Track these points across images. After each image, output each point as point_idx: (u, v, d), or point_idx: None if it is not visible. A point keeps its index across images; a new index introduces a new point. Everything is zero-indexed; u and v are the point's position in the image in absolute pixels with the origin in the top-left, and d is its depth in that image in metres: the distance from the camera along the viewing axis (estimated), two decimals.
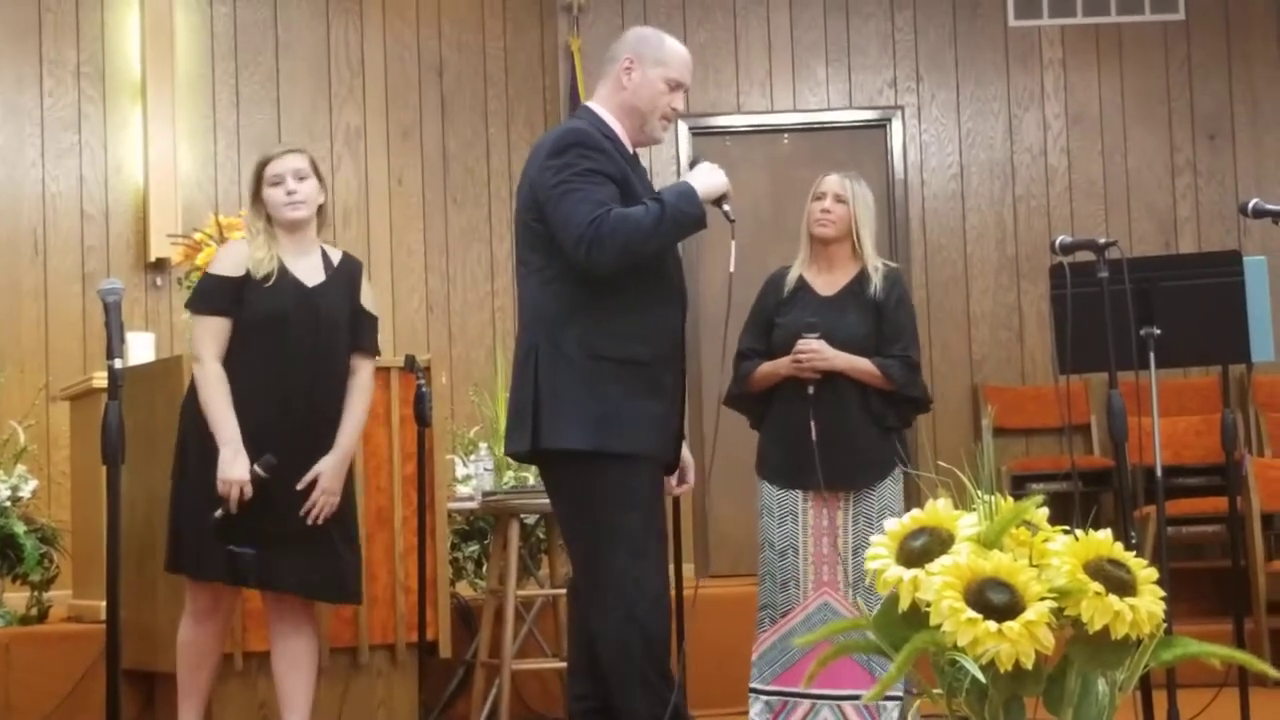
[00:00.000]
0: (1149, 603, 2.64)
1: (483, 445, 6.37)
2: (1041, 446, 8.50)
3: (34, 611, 6.07)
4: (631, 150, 4.33)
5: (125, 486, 4.20)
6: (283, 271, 4.63)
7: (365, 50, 8.47)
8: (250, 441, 4.52)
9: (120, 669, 4.19)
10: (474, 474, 6.29)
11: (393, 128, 8.48)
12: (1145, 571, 2.69)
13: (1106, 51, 8.79)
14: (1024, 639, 2.54)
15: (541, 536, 6.46)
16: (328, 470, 4.60)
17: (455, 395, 7.65)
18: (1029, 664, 2.56)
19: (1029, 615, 2.56)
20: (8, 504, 6.02)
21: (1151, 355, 4.68)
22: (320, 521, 4.58)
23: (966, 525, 2.72)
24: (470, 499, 6.16)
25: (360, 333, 4.75)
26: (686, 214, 4.12)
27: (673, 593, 4.91)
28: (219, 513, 4.49)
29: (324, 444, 4.63)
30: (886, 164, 8.72)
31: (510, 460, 6.14)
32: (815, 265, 5.20)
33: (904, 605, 2.65)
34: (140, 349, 6.24)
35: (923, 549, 2.69)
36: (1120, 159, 8.74)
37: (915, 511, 2.78)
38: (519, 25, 8.74)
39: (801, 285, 5.17)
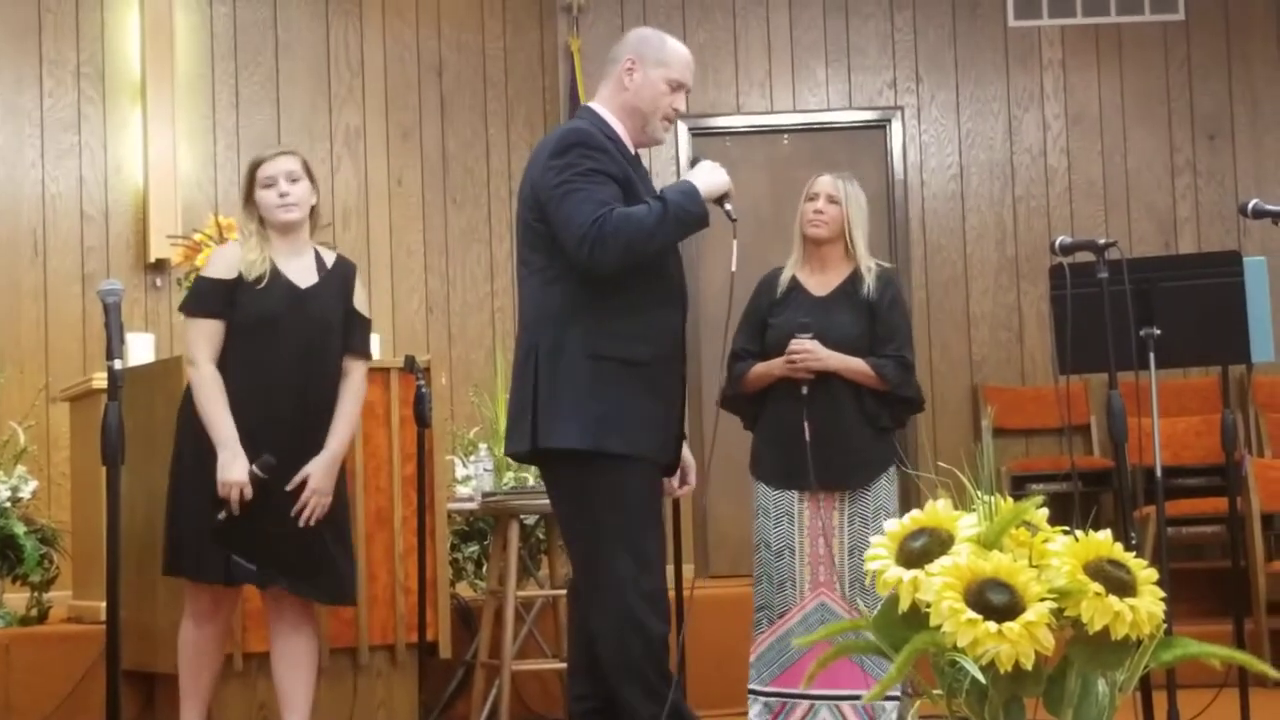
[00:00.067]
0: (1149, 603, 2.64)
1: (482, 446, 6.37)
2: (1041, 447, 8.50)
3: (34, 612, 6.06)
4: (633, 151, 4.33)
5: (125, 487, 4.20)
6: (275, 273, 4.63)
7: (365, 51, 8.47)
8: (245, 442, 4.52)
9: (120, 670, 4.18)
10: (474, 475, 6.29)
11: (392, 128, 8.48)
12: (1145, 572, 2.69)
13: (1106, 52, 8.79)
14: (1024, 640, 2.54)
15: (541, 537, 6.46)
16: (317, 471, 4.60)
17: (455, 396, 7.65)
18: (1029, 665, 2.56)
19: (1029, 616, 2.56)
20: (8, 505, 6.02)
21: (1151, 356, 4.68)
22: (312, 522, 4.58)
23: (966, 526, 2.72)
24: (470, 500, 6.16)
25: (352, 334, 4.75)
26: (689, 212, 4.12)
27: (672, 593, 4.92)
28: (222, 515, 4.50)
29: (316, 445, 4.63)
30: (886, 164, 8.72)
31: (510, 461, 6.15)
32: (808, 265, 5.20)
33: (904, 606, 2.65)
34: (140, 350, 6.24)
35: (923, 550, 2.69)
36: (1120, 159, 8.74)
37: (915, 512, 2.78)
38: (519, 26, 8.73)
39: (795, 285, 5.18)
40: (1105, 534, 2.72)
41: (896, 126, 8.74)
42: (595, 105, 4.35)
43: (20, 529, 5.99)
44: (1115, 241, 4.47)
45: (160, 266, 7.78)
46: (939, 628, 2.57)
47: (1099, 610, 2.59)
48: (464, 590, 6.56)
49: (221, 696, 5.12)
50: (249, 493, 4.49)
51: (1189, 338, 4.79)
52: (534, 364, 4.15)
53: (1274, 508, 7.00)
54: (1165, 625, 2.69)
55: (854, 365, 5.01)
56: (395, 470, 5.62)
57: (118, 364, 4.06)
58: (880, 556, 2.74)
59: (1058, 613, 2.61)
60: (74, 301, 7.74)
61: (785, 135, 8.72)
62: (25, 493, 6.12)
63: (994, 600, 2.58)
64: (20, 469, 6.19)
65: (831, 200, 5.13)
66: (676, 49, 4.34)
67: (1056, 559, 2.67)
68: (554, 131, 4.46)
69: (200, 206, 7.76)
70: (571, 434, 4.08)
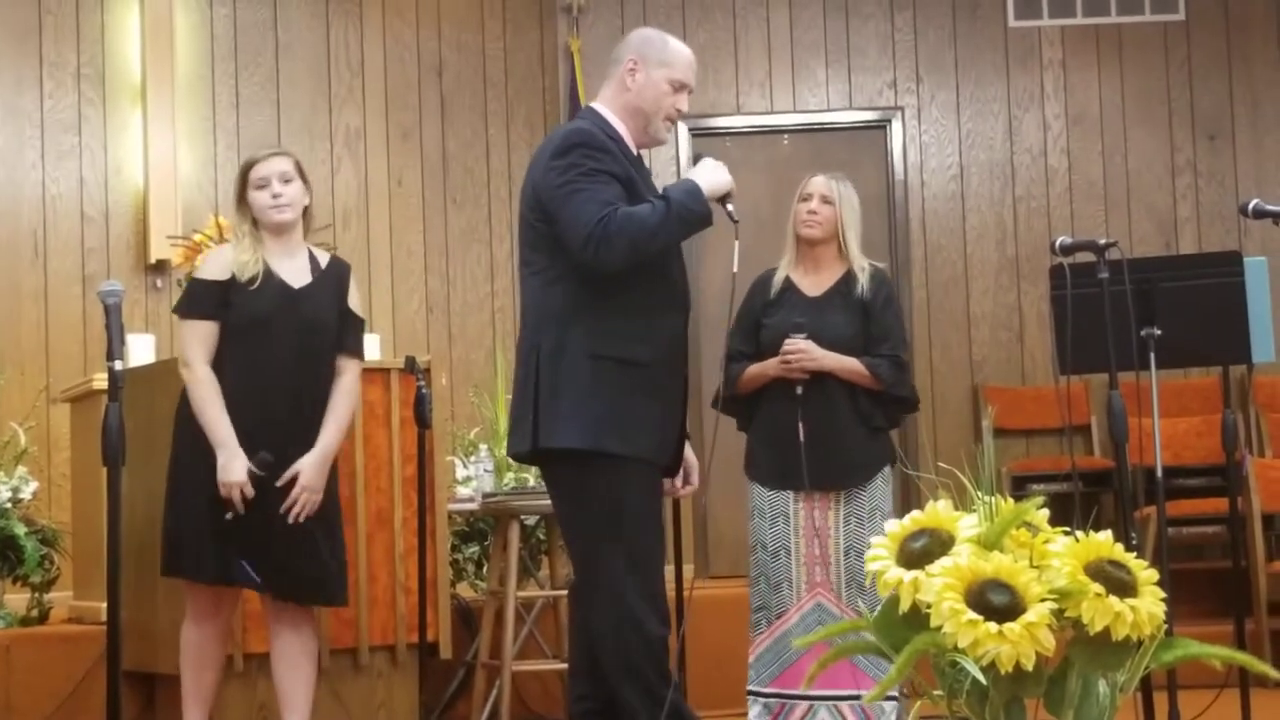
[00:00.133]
0: (1150, 604, 2.64)
1: (483, 446, 6.37)
2: (1042, 447, 8.50)
3: (35, 613, 6.07)
4: (636, 152, 4.33)
5: (126, 488, 4.20)
6: (268, 274, 4.64)
7: (365, 51, 8.47)
8: (241, 443, 4.53)
9: (121, 670, 4.19)
10: (474, 475, 6.29)
11: (392, 129, 8.48)
12: (1146, 573, 2.69)
13: (1106, 52, 8.79)
14: (1025, 640, 2.54)
15: (542, 538, 6.46)
16: (307, 468, 4.60)
17: (455, 397, 7.65)
18: (1030, 665, 2.56)
19: (1030, 617, 2.56)
20: (8, 505, 6.02)
21: (1152, 356, 4.68)
22: (301, 519, 4.58)
23: (967, 526, 2.72)
24: (470, 500, 6.16)
25: (346, 334, 4.76)
26: (692, 211, 4.12)
27: (672, 593, 4.92)
28: (229, 515, 4.51)
29: (311, 445, 4.64)
30: (886, 165, 8.72)
31: (510, 461, 6.15)
32: (801, 266, 5.21)
33: (904, 607, 2.65)
34: (140, 351, 6.24)
35: (923, 550, 2.69)
36: (1120, 160, 8.74)
37: (916, 513, 2.78)
38: (519, 26, 8.73)
39: (788, 286, 5.18)
40: (1106, 534, 2.72)
41: (897, 127, 8.73)
42: (597, 105, 4.35)
43: (21, 530, 5.99)
44: (1116, 242, 4.47)
45: (161, 267, 7.78)
46: (940, 628, 2.57)
47: (1100, 611, 2.59)
48: (464, 591, 6.56)
49: (222, 697, 5.12)
50: (250, 491, 4.50)
51: (1189, 338, 4.79)
52: (535, 364, 4.15)
53: (1275, 508, 7.00)
54: (1166, 626, 2.69)
55: (848, 365, 5.02)
56: (396, 471, 5.62)
57: (118, 365, 4.07)
58: (881, 557, 2.73)
59: (1058, 613, 2.61)
60: (74, 302, 7.74)
61: (785, 136, 8.72)
62: (26, 493, 6.12)
63: (995, 601, 2.58)
64: (21, 470, 6.19)
65: (825, 200, 5.14)
66: (679, 49, 4.34)
67: (1057, 560, 2.67)
68: (556, 132, 4.46)
69: (200, 207, 7.76)
70: (571, 434, 4.08)
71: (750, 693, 5.07)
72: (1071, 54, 8.79)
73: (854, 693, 4.91)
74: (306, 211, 4.78)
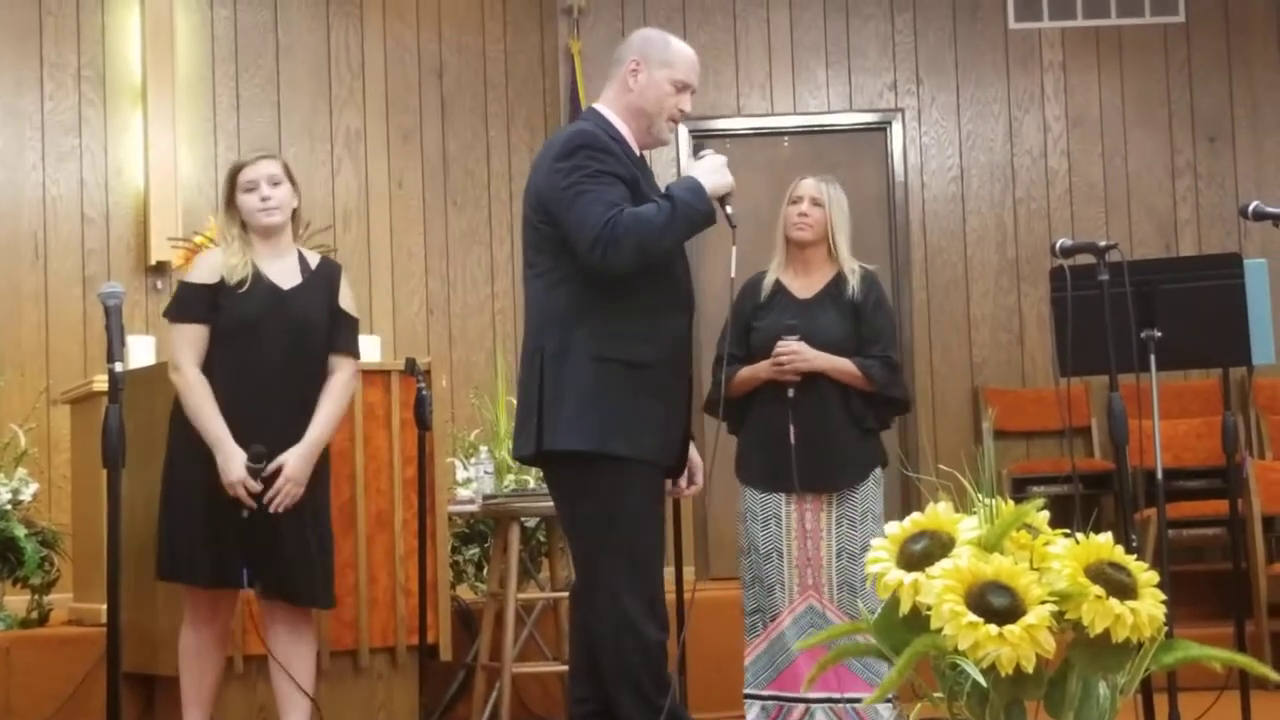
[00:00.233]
0: (1150, 606, 2.64)
1: (483, 448, 6.37)
2: (1042, 449, 8.49)
3: (35, 615, 6.06)
4: (639, 153, 4.32)
5: (126, 489, 4.21)
6: (257, 277, 4.65)
7: (365, 53, 8.47)
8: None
9: (121, 672, 4.19)
10: (474, 477, 6.29)
11: (393, 130, 8.48)
12: (1146, 575, 2.69)
13: (1106, 54, 8.79)
14: (1025, 642, 2.54)
15: (542, 540, 6.45)
16: (292, 459, 4.60)
17: (455, 398, 7.65)
18: (1030, 667, 2.56)
19: (1030, 619, 2.56)
20: (8, 507, 6.02)
21: (1152, 358, 4.68)
22: (280, 509, 4.57)
23: (967, 528, 2.72)
24: (471, 502, 6.16)
25: (337, 334, 4.76)
26: (697, 210, 4.12)
27: (673, 595, 4.92)
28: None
29: None
30: (887, 167, 8.72)
31: (511, 463, 6.16)
32: (792, 268, 5.21)
33: (905, 609, 2.64)
34: (141, 352, 6.24)
35: (923, 552, 2.69)
36: (1120, 161, 8.74)
37: (916, 515, 2.78)
38: (519, 28, 8.74)
39: (779, 289, 5.18)
40: (1106, 536, 2.72)
41: (897, 129, 8.74)
42: (600, 106, 4.34)
43: (21, 531, 5.99)
44: (1116, 244, 4.47)
45: (161, 269, 7.78)
46: (940, 631, 2.57)
47: (1100, 613, 2.59)
48: (465, 593, 6.56)
49: (222, 699, 5.12)
50: (254, 486, 4.52)
51: (1190, 340, 4.79)
52: (539, 366, 4.15)
53: (1275, 510, 7.00)
54: (1166, 628, 2.69)
55: (841, 366, 5.02)
56: (396, 473, 5.62)
57: (118, 366, 4.08)
58: (881, 559, 2.73)
59: (1059, 615, 2.61)
60: (75, 304, 7.74)
61: (785, 137, 8.72)
62: (26, 495, 6.12)
63: (995, 603, 2.58)
64: (21, 471, 6.19)
65: (815, 203, 5.14)
66: (681, 49, 4.33)
67: (1057, 562, 2.66)
68: (559, 133, 4.45)
69: (201, 209, 7.76)
70: (576, 436, 4.08)
71: (748, 695, 5.07)
72: (1072, 56, 8.79)
73: (851, 695, 4.91)
74: (295, 214, 4.80)
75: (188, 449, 4.61)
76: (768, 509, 5.08)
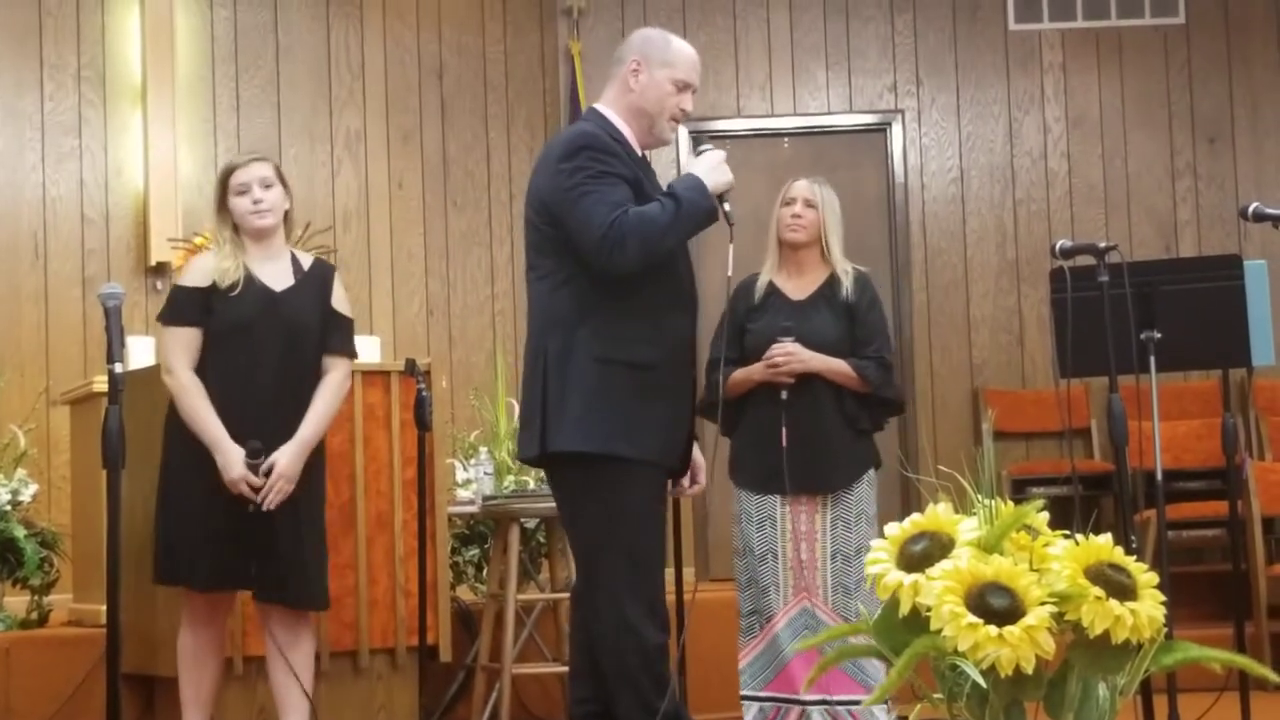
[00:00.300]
0: (1149, 607, 2.63)
1: (483, 449, 6.36)
2: (1042, 450, 8.50)
3: (34, 615, 6.06)
4: (640, 153, 4.31)
5: (125, 490, 4.21)
6: (249, 279, 4.66)
7: (365, 54, 8.47)
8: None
9: (120, 673, 4.19)
10: (474, 478, 6.29)
11: (393, 131, 8.48)
12: (1146, 576, 2.69)
13: (1106, 55, 8.79)
14: (1025, 644, 2.54)
15: (542, 540, 6.45)
16: (284, 457, 4.60)
17: (455, 399, 7.65)
18: (1029, 669, 2.56)
19: (1029, 620, 2.56)
20: (8, 508, 6.01)
21: (1152, 359, 4.68)
22: (272, 507, 4.58)
23: (967, 529, 2.72)
24: (470, 503, 6.16)
25: (331, 334, 4.76)
26: (699, 207, 4.12)
27: (673, 596, 4.92)
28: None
29: None
30: (886, 168, 8.72)
31: (510, 464, 6.16)
32: (785, 270, 5.21)
33: (904, 610, 2.64)
34: (140, 353, 6.24)
35: (923, 553, 2.69)
36: (1120, 163, 8.74)
37: (916, 516, 2.78)
38: (519, 29, 8.74)
39: (772, 290, 5.18)
40: (1106, 537, 2.72)
41: (897, 130, 8.74)
42: (601, 107, 4.32)
43: (20, 532, 5.98)
44: (1116, 245, 4.47)
45: (161, 269, 7.78)
46: (939, 632, 2.57)
47: (1100, 614, 2.59)
48: (464, 594, 6.56)
49: (222, 700, 5.12)
50: (256, 481, 4.54)
51: (1189, 341, 4.79)
52: (543, 368, 4.14)
53: (1274, 511, 7.00)
54: (1166, 629, 2.69)
55: (836, 366, 5.02)
56: (396, 473, 5.62)
57: (118, 367, 4.08)
58: (881, 560, 2.73)
59: (1058, 616, 2.61)
60: (74, 305, 7.74)
61: (785, 139, 8.72)
62: (26, 496, 6.11)
63: (994, 604, 2.58)
64: (21, 472, 6.19)
65: (809, 204, 5.15)
66: (682, 49, 4.32)
67: (1057, 563, 2.66)
68: (560, 135, 4.44)
69: (201, 209, 7.74)
70: (579, 437, 4.07)
71: (746, 697, 5.07)
72: (1072, 57, 8.79)
73: (844, 698, 4.92)
74: (287, 216, 4.80)
75: (183, 452, 4.62)
76: (762, 511, 5.08)
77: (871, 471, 5.11)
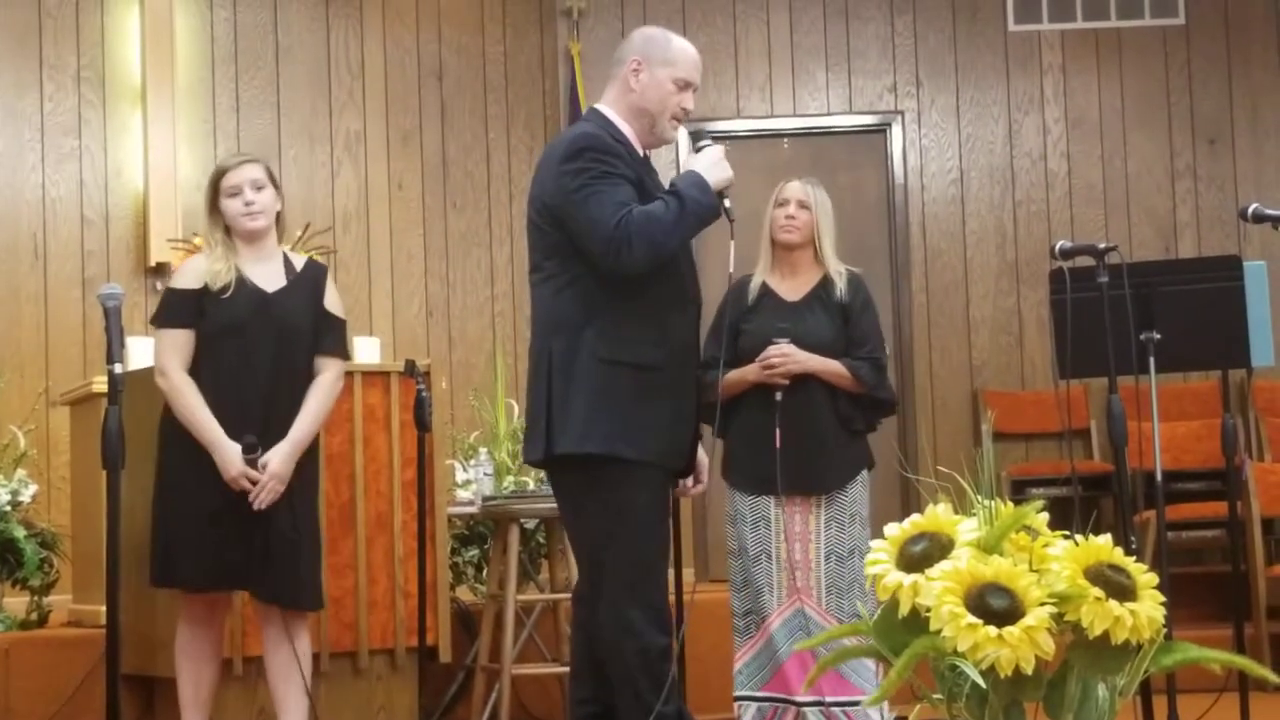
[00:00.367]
0: (1149, 608, 2.63)
1: (482, 450, 6.37)
2: (1041, 451, 8.50)
3: (34, 616, 6.06)
4: (642, 153, 4.30)
5: (125, 491, 4.21)
6: (241, 281, 4.66)
7: (365, 54, 8.47)
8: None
9: (120, 674, 4.19)
10: (474, 479, 6.29)
11: (393, 132, 8.49)
12: (1145, 576, 2.69)
13: (1106, 56, 8.79)
14: (1024, 644, 2.54)
15: (541, 541, 6.45)
16: (276, 458, 4.60)
17: (455, 400, 7.66)
18: (1029, 669, 2.56)
19: (1029, 620, 2.56)
20: (8, 509, 6.01)
21: (1151, 360, 4.68)
22: (262, 506, 4.58)
23: (966, 530, 2.72)
24: (470, 503, 6.16)
25: (323, 335, 4.77)
26: (703, 204, 4.12)
27: (672, 597, 4.91)
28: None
29: None
30: (886, 169, 8.72)
31: (510, 465, 6.16)
32: (778, 271, 5.21)
33: (904, 611, 2.64)
34: (140, 354, 6.22)
35: (923, 554, 2.69)
36: (1120, 164, 8.75)
37: (915, 516, 2.78)
38: (519, 29, 8.74)
39: (766, 291, 5.18)
40: (1105, 538, 2.72)
41: (897, 131, 8.74)
42: (602, 107, 4.31)
43: (20, 533, 5.98)
44: (1115, 246, 4.47)
45: (160, 270, 7.78)
46: (939, 632, 2.57)
47: (1099, 615, 2.59)
48: (464, 594, 6.56)
49: (221, 700, 5.12)
50: (256, 475, 4.55)
51: (1189, 342, 4.79)
52: (547, 370, 4.13)
53: (1274, 512, 7.00)
54: (1165, 630, 2.69)
55: (831, 367, 5.03)
56: (395, 474, 5.62)
57: (118, 368, 4.09)
58: (880, 561, 2.73)
59: (1058, 617, 2.61)
60: (74, 305, 7.74)
61: (785, 139, 8.72)
62: (25, 497, 6.11)
63: (994, 605, 2.58)
64: (20, 473, 6.19)
65: (802, 205, 5.15)
66: (683, 47, 4.30)
67: (1057, 563, 2.66)
68: (562, 136, 4.43)
69: (200, 210, 7.72)
70: (583, 440, 4.07)
71: (742, 697, 5.07)
72: (1071, 58, 8.80)
73: (839, 699, 4.91)
74: (279, 217, 4.81)
75: (178, 455, 4.64)
76: (756, 511, 5.08)
77: (865, 472, 5.12)
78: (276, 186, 4.78)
